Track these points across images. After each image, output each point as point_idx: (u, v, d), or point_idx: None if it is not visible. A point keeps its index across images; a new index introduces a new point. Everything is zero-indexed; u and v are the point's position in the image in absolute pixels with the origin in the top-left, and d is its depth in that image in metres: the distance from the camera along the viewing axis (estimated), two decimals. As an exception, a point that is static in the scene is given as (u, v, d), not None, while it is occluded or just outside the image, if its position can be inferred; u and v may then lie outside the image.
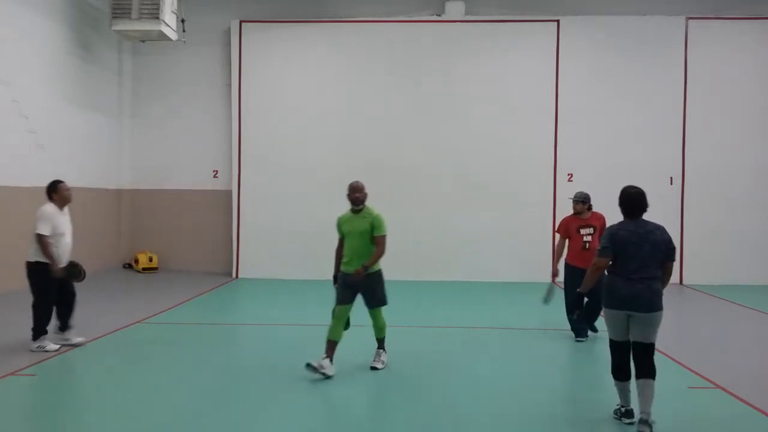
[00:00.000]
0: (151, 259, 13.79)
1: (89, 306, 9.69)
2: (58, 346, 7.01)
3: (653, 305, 4.87)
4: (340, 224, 6.55)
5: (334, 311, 6.36)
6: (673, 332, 8.99)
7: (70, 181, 7.54)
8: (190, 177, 14.14)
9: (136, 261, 13.78)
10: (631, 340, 4.97)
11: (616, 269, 4.99)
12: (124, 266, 14.11)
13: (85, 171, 12.61)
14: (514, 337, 8.38)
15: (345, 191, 6.49)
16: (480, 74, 13.56)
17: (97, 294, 10.94)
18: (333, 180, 13.54)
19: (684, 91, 13.47)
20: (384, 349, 6.72)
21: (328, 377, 6.07)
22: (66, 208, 7.17)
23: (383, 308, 6.59)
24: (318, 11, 13.83)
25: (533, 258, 13.23)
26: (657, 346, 5.01)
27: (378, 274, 6.46)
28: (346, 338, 6.45)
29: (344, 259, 6.47)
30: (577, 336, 7.91)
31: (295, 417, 5.21)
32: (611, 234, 5.04)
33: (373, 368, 6.46)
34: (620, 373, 5.05)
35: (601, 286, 5.20)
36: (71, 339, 7.19)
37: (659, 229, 5.01)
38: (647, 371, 4.87)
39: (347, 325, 6.45)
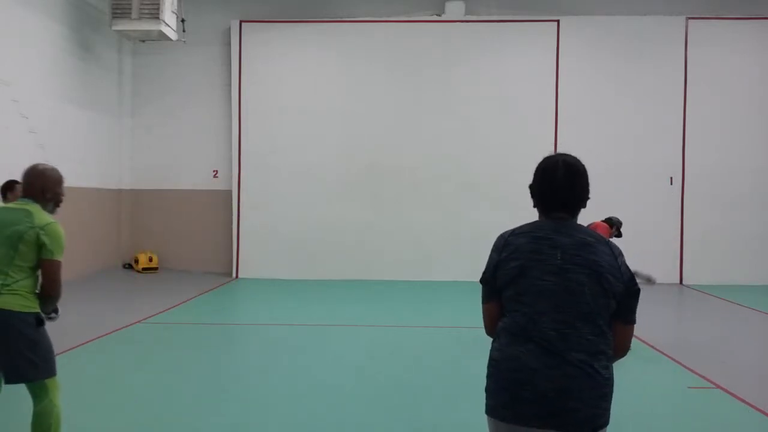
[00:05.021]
0: (151, 259, 13.78)
1: (90, 306, 9.72)
2: None
3: (597, 417, 2.38)
4: None
5: None
6: (673, 332, 9.01)
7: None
8: (190, 177, 14.13)
9: (136, 261, 13.77)
10: None
11: (514, 325, 2.55)
12: (124, 266, 14.10)
13: (85, 171, 12.58)
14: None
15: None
16: (480, 74, 13.54)
17: (97, 294, 10.97)
18: (333, 180, 13.60)
19: (684, 91, 13.46)
20: None
21: None
22: None
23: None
24: (318, 11, 13.83)
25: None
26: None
27: (22, 320, 3.69)
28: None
29: None
30: None
31: (295, 418, 5.21)
32: (498, 247, 2.66)
33: None
34: None
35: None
36: None
37: (603, 245, 2.51)
38: None
39: None
